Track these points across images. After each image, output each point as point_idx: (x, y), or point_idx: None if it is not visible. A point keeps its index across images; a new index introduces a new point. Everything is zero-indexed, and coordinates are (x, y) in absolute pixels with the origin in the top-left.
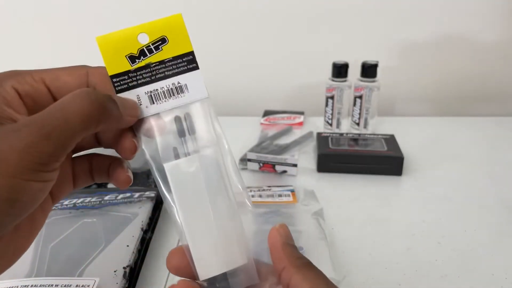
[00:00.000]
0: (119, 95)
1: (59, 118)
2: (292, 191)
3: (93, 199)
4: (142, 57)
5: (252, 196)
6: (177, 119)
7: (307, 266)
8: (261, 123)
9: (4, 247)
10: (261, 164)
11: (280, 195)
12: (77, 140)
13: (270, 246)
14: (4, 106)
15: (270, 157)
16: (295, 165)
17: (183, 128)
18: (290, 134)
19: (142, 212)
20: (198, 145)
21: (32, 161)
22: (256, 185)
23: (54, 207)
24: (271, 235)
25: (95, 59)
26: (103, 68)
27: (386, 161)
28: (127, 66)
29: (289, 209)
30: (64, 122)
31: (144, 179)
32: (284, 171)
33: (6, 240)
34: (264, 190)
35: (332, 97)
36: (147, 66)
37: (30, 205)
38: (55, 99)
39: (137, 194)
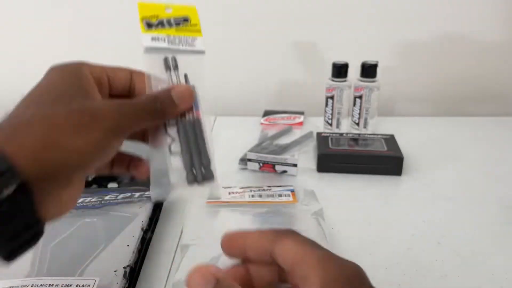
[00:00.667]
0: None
1: (147, 107)
2: (292, 191)
3: (93, 199)
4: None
5: (252, 196)
6: (166, 59)
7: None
8: (261, 123)
9: (75, 193)
10: (261, 164)
11: (280, 195)
12: (142, 126)
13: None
14: (87, 86)
15: (270, 157)
16: (295, 165)
17: (169, 64)
18: (290, 134)
19: (142, 212)
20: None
21: (121, 125)
22: (256, 185)
23: None
24: None
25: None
26: (142, 72)
27: (386, 161)
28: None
29: (289, 209)
30: (153, 110)
31: (144, 179)
32: (284, 171)
33: (77, 187)
34: (264, 190)
35: (332, 97)
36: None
37: (106, 159)
38: (111, 88)
39: (137, 194)
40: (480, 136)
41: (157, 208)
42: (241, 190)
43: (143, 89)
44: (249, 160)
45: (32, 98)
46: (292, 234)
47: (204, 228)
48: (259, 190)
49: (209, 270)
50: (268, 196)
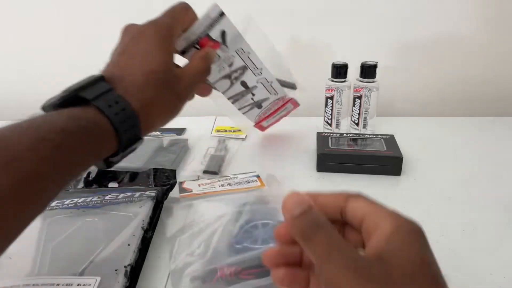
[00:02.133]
0: None
1: (198, 74)
2: (258, 176)
3: (94, 199)
4: None
5: (222, 185)
6: None
7: (312, 238)
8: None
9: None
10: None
11: (248, 181)
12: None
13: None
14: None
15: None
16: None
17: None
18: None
19: (143, 211)
20: None
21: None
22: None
23: (55, 207)
24: (282, 211)
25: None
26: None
27: (385, 161)
28: None
29: (261, 192)
30: (199, 76)
31: (145, 178)
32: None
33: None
34: (231, 178)
35: (331, 97)
36: None
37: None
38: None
39: (137, 194)
40: (480, 136)
41: (158, 207)
42: (209, 181)
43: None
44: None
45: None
46: (362, 195)
47: (185, 219)
48: (226, 179)
49: (304, 196)
50: (237, 183)
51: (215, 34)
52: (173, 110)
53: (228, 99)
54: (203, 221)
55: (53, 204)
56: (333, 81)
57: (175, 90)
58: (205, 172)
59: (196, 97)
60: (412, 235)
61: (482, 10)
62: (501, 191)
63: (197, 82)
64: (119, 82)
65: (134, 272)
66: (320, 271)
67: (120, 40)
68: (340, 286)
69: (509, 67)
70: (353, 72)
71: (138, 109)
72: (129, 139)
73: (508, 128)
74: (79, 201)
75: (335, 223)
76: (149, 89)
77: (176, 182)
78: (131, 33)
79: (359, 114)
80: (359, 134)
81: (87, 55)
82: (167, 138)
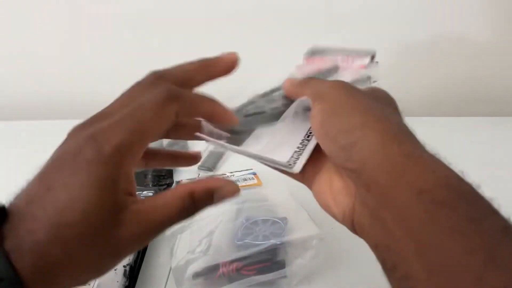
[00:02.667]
0: None
1: (161, 222)
2: (255, 173)
3: None
4: None
5: None
6: None
7: (308, 81)
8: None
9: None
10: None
11: (245, 179)
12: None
13: (287, 92)
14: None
15: None
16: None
17: None
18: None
19: None
20: None
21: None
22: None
23: None
24: (283, 86)
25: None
26: (191, 101)
27: None
28: None
29: (259, 190)
30: (164, 224)
31: (142, 178)
32: None
33: None
34: (228, 176)
35: None
36: None
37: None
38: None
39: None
40: (480, 136)
41: None
42: None
43: None
44: None
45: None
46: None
47: None
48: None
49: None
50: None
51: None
52: (100, 270)
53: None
54: (203, 219)
55: None
56: None
57: (112, 243)
58: (199, 167)
59: None
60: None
61: (483, 10)
62: (502, 191)
63: (159, 232)
64: (21, 223)
65: (133, 272)
66: (313, 92)
67: (55, 151)
68: (326, 94)
69: (509, 67)
70: None
71: (31, 275)
72: None
73: (508, 128)
74: None
75: None
76: (61, 244)
77: (173, 181)
78: (69, 146)
79: None
80: None
81: (87, 55)
82: (166, 138)
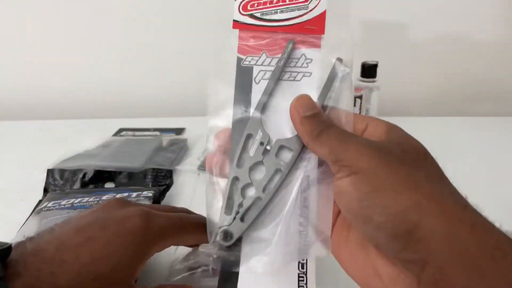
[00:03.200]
0: None
1: None
2: None
3: (91, 199)
4: None
5: None
6: None
7: (322, 133)
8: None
9: None
10: None
11: None
12: None
13: (293, 124)
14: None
15: None
16: None
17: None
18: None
19: None
20: None
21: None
22: None
23: (51, 207)
24: (290, 112)
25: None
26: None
27: None
28: None
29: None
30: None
31: (141, 179)
32: None
33: None
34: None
35: None
36: None
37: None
38: None
39: (134, 194)
40: (480, 136)
41: None
42: None
43: None
44: None
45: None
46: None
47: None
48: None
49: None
50: None
51: None
52: None
53: None
54: None
55: (50, 204)
56: None
57: None
58: (199, 168)
59: (196, 97)
60: (404, 132)
61: (484, 9)
62: (502, 191)
63: None
64: (46, 265)
65: None
66: (333, 156)
67: (94, 210)
68: (354, 162)
69: (509, 67)
70: (354, 72)
71: None
72: None
73: (508, 128)
74: (76, 201)
75: None
76: None
77: (172, 182)
78: (115, 210)
79: (359, 114)
80: None
81: (87, 55)
82: (166, 138)
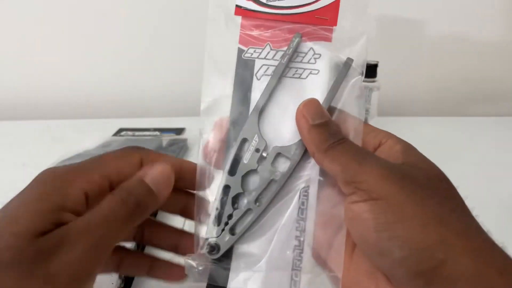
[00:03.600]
0: None
1: (103, 227)
2: None
3: None
4: None
5: None
6: None
7: (335, 147)
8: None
9: None
10: None
11: None
12: (118, 241)
13: (299, 132)
14: (71, 217)
15: None
16: None
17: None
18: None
19: None
20: None
21: (81, 274)
22: None
23: None
24: (296, 119)
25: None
26: (154, 154)
27: None
28: None
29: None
30: (108, 230)
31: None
32: None
33: None
34: None
35: None
36: None
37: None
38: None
39: None
40: (480, 136)
41: None
42: None
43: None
44: None
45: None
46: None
47: None
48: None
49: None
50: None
51: None
52: None
53: None
54: None
55: None
56: None
57: (41, 272)
58: None
59: (196, 97)
60: (421, 153)
61: (484, 9)
62: (502, 192)
63: (107, 247)
64: None
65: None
66: (347, 175)
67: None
68: (373, 186)
69: (510, 67)
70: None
71: None
72: None
73: (508, 128)
74: None
75: None
76: None
77: None
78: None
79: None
80: None
81: (87, 55)
82: (166, 138)
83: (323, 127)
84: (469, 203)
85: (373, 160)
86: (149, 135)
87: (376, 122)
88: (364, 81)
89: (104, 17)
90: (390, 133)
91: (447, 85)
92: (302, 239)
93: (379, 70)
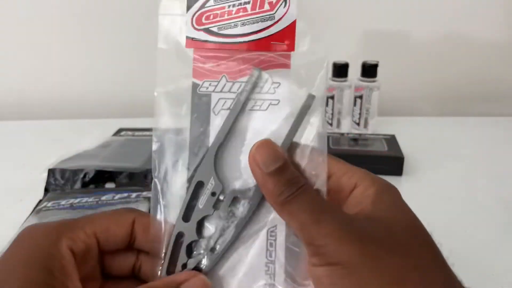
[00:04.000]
0: None
1: None
2: None
3: (90, 199)
4: None
5: None
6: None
7: (291, 201)
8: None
9: None
10: None
11: None
12: None
13: (254, 178)
14: (60, 275)
15: None
16: None
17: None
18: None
19: None
20: None
21: None
22: None
23: (51, 207)
24: (250, 166)
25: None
26: (148, 216)
27: (386, 161)
28: None
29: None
30: None
31: (142, 179)
32: None
33: None
34: None
35: (332, 97)
36: None
37: None
38: (100, 249)
39: (134, 194)
40: (481, 136)
41: None
42: None
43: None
44: None
45: None
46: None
47: None
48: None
49: (278, 148)
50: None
51: None
52: None
53: None
54: None
55: (49, 204)
56: (333, 80)
57: None
58: None
59: None
60: (396, 197)
61: (484, 9)
62: (503, 191)
63: None
64: None
65: None
66: (306, 236)
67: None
68: (332, 250)
69: (510, 67)
70: (354, 72)
71: None
72: None
73: (508, 128)
74: (75, 201)
75: None
76: None
77: None
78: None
79: (360, 114)
80: (359, 134)
81: (87, 55)
82: None
83: (278, 175)
84: (469, 203)
85: (333, 219)
86: (149, 135)
87: (376, 122)
88: (364, 81)
89: (104, 17)
90: (366, 173)
91: (447, 85)
92: (273, 281)
93: (379, 70)
